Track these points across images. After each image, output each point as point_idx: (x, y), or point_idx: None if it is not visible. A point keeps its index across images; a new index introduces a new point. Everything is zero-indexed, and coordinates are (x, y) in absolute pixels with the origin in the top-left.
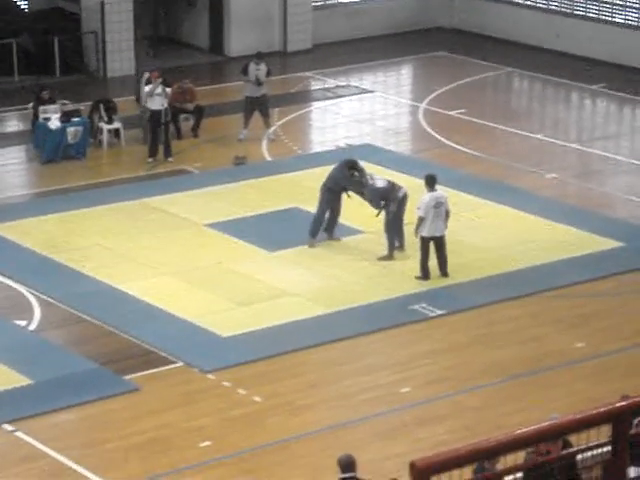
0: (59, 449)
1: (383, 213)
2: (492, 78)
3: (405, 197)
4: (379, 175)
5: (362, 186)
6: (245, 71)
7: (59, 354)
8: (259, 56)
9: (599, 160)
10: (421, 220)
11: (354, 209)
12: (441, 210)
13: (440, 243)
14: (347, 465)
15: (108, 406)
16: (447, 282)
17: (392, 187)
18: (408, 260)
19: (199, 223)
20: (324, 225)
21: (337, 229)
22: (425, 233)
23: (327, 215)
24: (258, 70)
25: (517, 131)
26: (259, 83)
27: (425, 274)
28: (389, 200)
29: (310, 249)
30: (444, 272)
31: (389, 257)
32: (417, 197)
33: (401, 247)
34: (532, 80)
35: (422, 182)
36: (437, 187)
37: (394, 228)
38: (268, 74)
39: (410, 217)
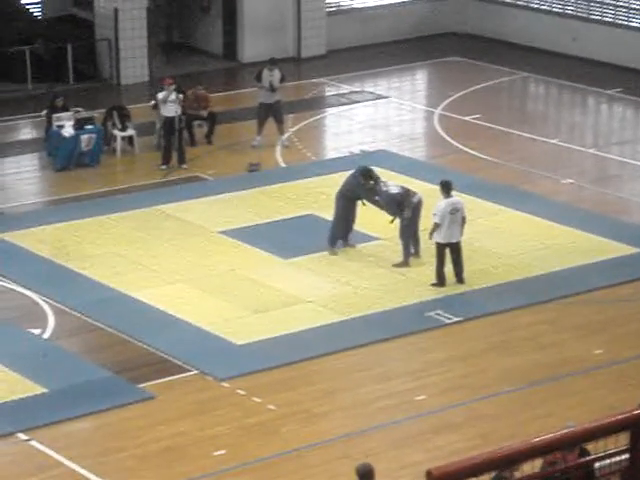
0: (73, 458)
1: (398, 220)
2: (507, 83)
3: (420, 203)
4: (393, 181)
5: (376, 193)
6: (259, 77)
7: (73, 362)
8: (273, 62)
9: (616, 165)
10: (437, 226)
11: (370, 216)
12: (457, 216)
13: (456, 249)
14: (365, 474)
15: (123, 414)
16: (463, 289)
17: (407, 193)
18: (424, 267)
19: (213, 230)
20: (344, 232)
21: (353, 236)
22: (441, 239)
23: (345, 222)
24: (272, 76)
25: (533, 136)
26: (273, 89)
27: (441, 281)
28: (403, 206)
29: (325, 256)
30: (460, 279)
31: (405, 264)
32: (432, 203)
33: (417, 254)
34: (548, 85)
35: (437, 188)
36: (453, 193)
37: (409, 234)
38: (282, 80)
39: (426, 223)
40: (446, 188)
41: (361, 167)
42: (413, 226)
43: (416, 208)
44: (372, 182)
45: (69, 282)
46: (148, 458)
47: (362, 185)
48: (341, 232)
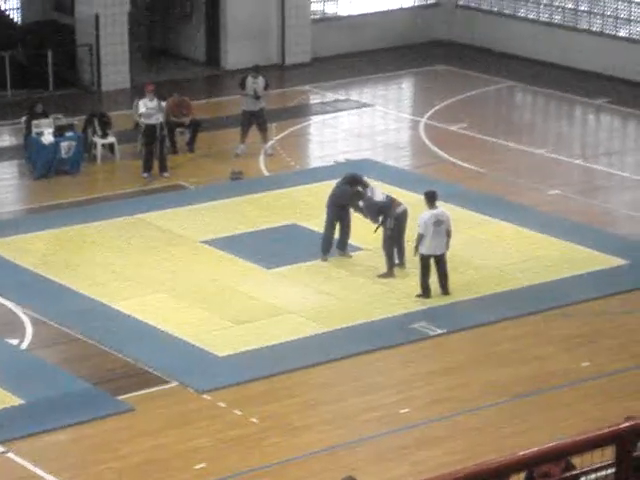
0: (52, 471)
1: (382, 230)
2: (494, 92)
3: (403, 214)
4: (381, 190)
5: (360, 198)
6: (242, 85)
7: (52, 373)
8: (256, 69)
9: (603, 176)
10: (420, 237)
11: (355, 226)
12: (441, 229)
13: (441, 261)
14: None
15: (102, 427)
16: (448, 300)
17: (390, 203)
18: (409, 278)
19: (195, 239)
20: (337, 241)
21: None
22: (424, 251)
23: (340, 230)
24: (255, 84)
25: (519, 146)
26: (257, 97)
27: (426, 292)
28: (386, 216)
29: (308, 266)
30: (445, 291)
31: (389, 275)
32: (418, 213)
33: (402, 265)
34: (534, 94)
35: (422, 198)
36: (439, 204)
37: (392, 245)
38: (266, 87)
39: (411, 235)
40: (431, 199)
41: (349, 173)
42: (397, 237)
43: (399, 219)
44: (359, 188)
45: (48, 292)
46: (128, 471)
47: (348, 193)
48: (329, 243)
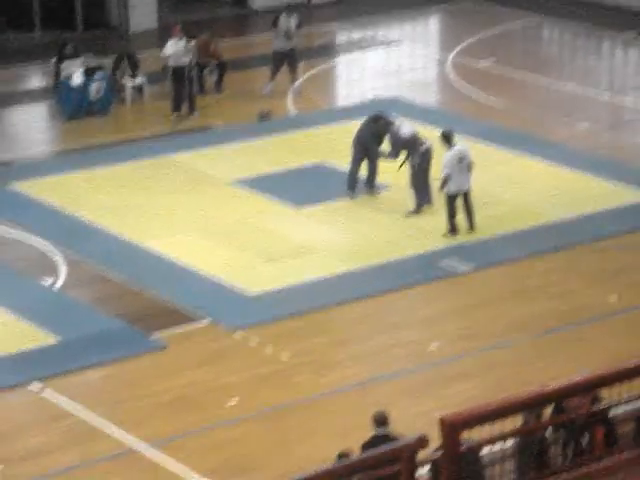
0: (88, 406)
1: (408, 167)
2: (521, 27)
3: (428, 151)
4: (409, 124)
5: (386, 132)
6: (275, 23)
7: (85, 313)
8: (290, 9)
9: (631, 111)
10: (447, 177)
11: (382, 164)
12: (464, 164)
13: (467, 197)
14: (382, 421)
15: (135, 364)
16: (477, 237)
17: (415, 139)
18: (436, 215)
19: (224, 179)
20: (365, 179)
21: (362, 184)
22: (453, 188)
23: (367, 168)
24: (288, 22)
25: (548, 81)
26: (289, 36)
27: (454, 230)
28: (410, 153)
29: (337, 205)
30: (472, 226)
31: (417, 212)
32: (443, 150)
33: (429, 202)
34: (562, 29)
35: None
36: (458, 139)
37: (420, 182)
38: (299, 26)
39: (435, 171)
40: (448, 138)
41: (375, 112)
42: (423, 174)
43: (424, 156)
44: (382, 122)
45: (80, 232)
46: (161, 407)
47: (373, 131)
48: (354, 180)
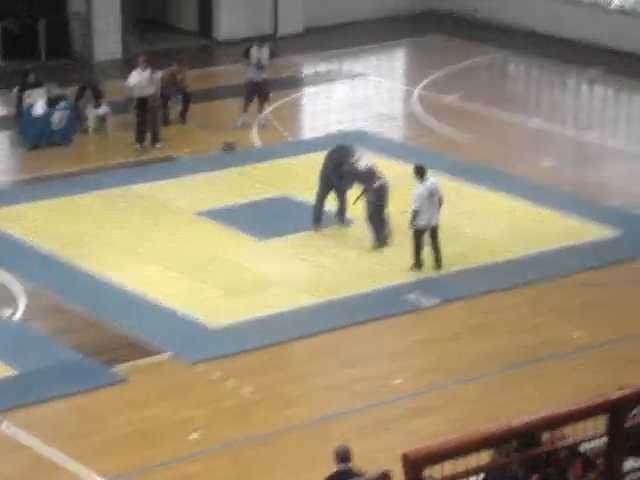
0: (45, 441)
1: (364, 202)
2: (487, 62)
3: (382, 188)
4: (367, 159)
5: (343, 164)
6: (246, 54)
7: (44, 345)
8: (261, 40)
9: (596, 147)
10: (416, 213)
11: (347, 197)
12: (435, 199)
13: (435, 232)
14: (344, 456)
15: (95, 398)
16: (441, 272)
17: (370, 174)
18: (401, 249)
19: (188, 210)
20: (335, 212)
21: (327, 217)
22: (420, 224)
23: (336, 201)
24: (260, 53)
25: (513, 116)
26: (260, 67)
27: (419, 264)
28: (366, 188)
29: (301, 238)
30: (439, 264)
31: (379, 246)
32: (407, 183)
33: (386, 238)
34: (528, 65)
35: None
36: (429, 174)
37: (376, 219)
38: (271, 57)
39: (394, 206)
40: (420, 173)
41: (339, 143)
42: (379, 210)
43: (379, 192)
44: (342, 152)
45: (40, 263)
46: (121, 441)
47: (334, 163)
48: (319, 213)
